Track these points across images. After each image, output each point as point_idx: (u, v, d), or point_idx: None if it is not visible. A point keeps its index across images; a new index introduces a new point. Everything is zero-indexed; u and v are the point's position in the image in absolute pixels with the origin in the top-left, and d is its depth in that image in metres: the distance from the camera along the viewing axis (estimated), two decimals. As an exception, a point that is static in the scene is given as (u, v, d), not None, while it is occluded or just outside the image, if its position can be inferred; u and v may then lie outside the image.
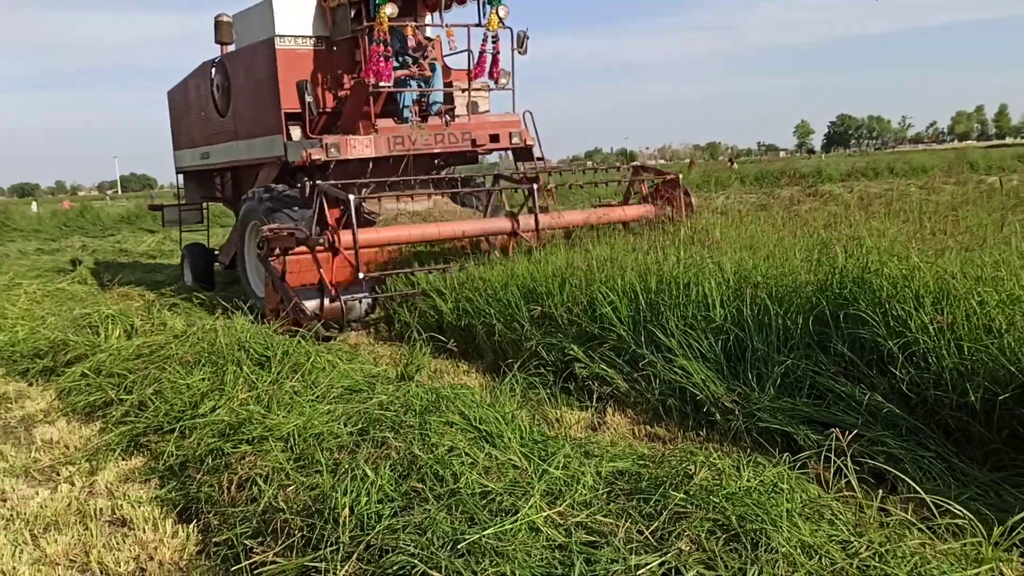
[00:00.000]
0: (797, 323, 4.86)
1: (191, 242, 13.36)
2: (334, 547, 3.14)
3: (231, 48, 11.23)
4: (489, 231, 8.79)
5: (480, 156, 11.72)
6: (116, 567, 3.77)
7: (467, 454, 3.39)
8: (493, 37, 10.03)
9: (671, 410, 5.09)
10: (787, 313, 4.95)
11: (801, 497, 2.79)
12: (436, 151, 10.26)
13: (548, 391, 5.70)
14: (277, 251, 7.80)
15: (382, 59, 9.27)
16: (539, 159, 10.87)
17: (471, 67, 10.26)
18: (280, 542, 3.41)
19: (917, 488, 3.05)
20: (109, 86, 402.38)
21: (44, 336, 7.98)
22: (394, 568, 2.83)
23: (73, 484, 4.83)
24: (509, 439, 3.67)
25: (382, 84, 9.43)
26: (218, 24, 10.96)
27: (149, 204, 19.11)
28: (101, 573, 3.74)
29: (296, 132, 9.87)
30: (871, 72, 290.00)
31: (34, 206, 42.20)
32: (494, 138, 10.58)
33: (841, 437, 3.36)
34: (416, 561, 2.74)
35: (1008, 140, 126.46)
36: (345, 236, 7.72)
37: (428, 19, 10.95)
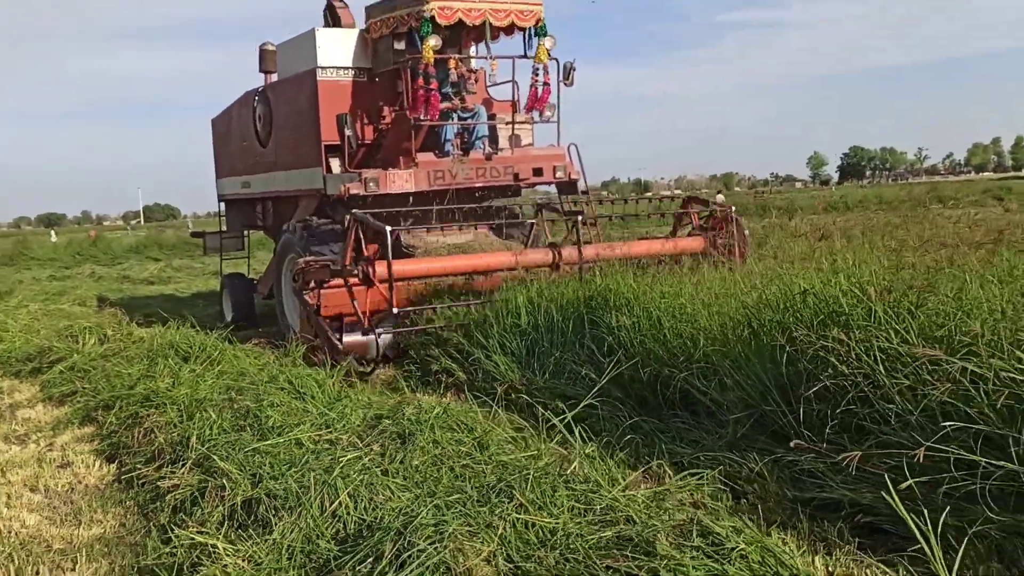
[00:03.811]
0: (569, 326, 6.59)
1: (232, 272, 13.31)
2: (184, 460, 4.90)
3: (275, 77, 11.31)
4: (529, 263, 8.27)
5: (523, 190, 11.39)
6: (56, 487, 5.53)
7: (278, 404, 5.16)
8: (543, 69, 9.90)
9: (487, 391, 6.80)
10: (565, 319, 6.67)
11: (445, 416, 4.54)
12: (477, 185, 10.07)
13: (411, 382, 7.46)
14: (312, 284, 7.77)
15: (428, 92, 9.20)
16: (584, 193, 10.68)
17: (515, 99, 10.32)
18: (157, 463, 5.18)
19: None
20: (135, 120, 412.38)
21: (35, 344, 9.81)
22: (209, 466, 4.58)
23: (38, 444, 6.59)
24: (318, 397, 5.44)
25: (423, 119, 9.32)
26: (262, 53, 11.13)
27: (191, 231, 18.67)
28: (45, 490, 5.49)
29: (336, 165, 9.77)
30: (889, 103, 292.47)
31: (53, 235, 44.55)
32: (537, 172, 10.38)
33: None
34: (217, 459, 4.48)
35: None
36: (380, 267, 7.48)
37: (472, 50, 10.96)
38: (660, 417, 5.43)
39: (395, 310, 7.42)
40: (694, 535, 2.90)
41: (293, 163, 10.69)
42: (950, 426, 3.44)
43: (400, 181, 9.44)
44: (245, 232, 13.60)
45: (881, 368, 4.04)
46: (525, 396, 6.24)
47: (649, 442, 5.12)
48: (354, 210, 7.98)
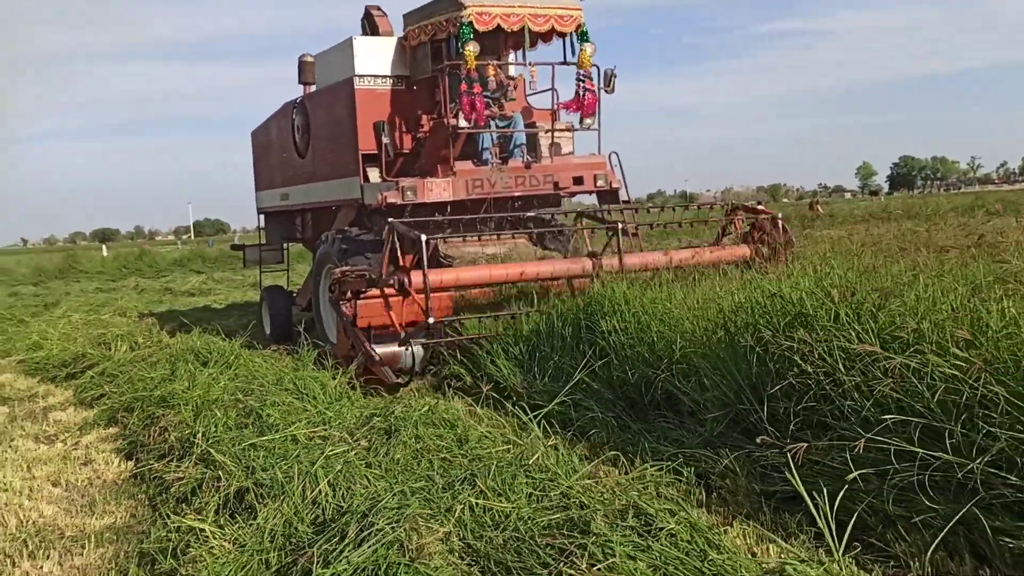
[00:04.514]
0: (567, 332, 6.80)
1: (271, 285, 13.17)
2: (190, 455, 5.20)
3: (313, 89, 11.26)
4: (568, 273, 8.18)
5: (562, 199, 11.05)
6: (75, 482, 5.87)
7: (279, 404, 5.45)
8: (586, 75, 9.70)
9: (489, 395, 7.04)
10: (565, 326, 6.89)
11: (430, 414, 4.79)
12: (516, 194, 9.88)
13: (422, 387, 7.73)
14: (348, 294, 7.61)
15: (471, 97, 9.09)
16: (626, 202, 10.46)
17: (555, 107, 10.02)
18: (168, 458, 5.49)
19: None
20: (185, 135, 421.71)
21: (71, 351, 10.27)
22: (210, 460, 4.87)
23: (65, 443, 6.96)
24: (319, 398, 5.72)
25: (462, 124, 9.20)
26: (301, 64, 11.08)
27: (231, 244, 18.25)
28: (65, 484, 5.84)
29: (374, 174, 9.64)
30: (941, 112, 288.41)
31: (104, 250, 45.79)
32: (578, 180, 10.15)
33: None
34: (216, 453, 4.78)
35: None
36: (416, 277, 7.40)
37: (512, 57, 10.80)
38: (646, 417, 5.63)
39: (430, 319, 7.30)
40: (629, 516, 3.10)
41: (331, 173, 10.63)
42: (890, 419, 3.60)
43: (438, 190, 9.32)
44: (284, 244, 13.56)
45: (841, 366, 4.21)
46: (521, 397, 6.50)
47: (634, 440, 5.32)
48: (391, 219, 7.88)
